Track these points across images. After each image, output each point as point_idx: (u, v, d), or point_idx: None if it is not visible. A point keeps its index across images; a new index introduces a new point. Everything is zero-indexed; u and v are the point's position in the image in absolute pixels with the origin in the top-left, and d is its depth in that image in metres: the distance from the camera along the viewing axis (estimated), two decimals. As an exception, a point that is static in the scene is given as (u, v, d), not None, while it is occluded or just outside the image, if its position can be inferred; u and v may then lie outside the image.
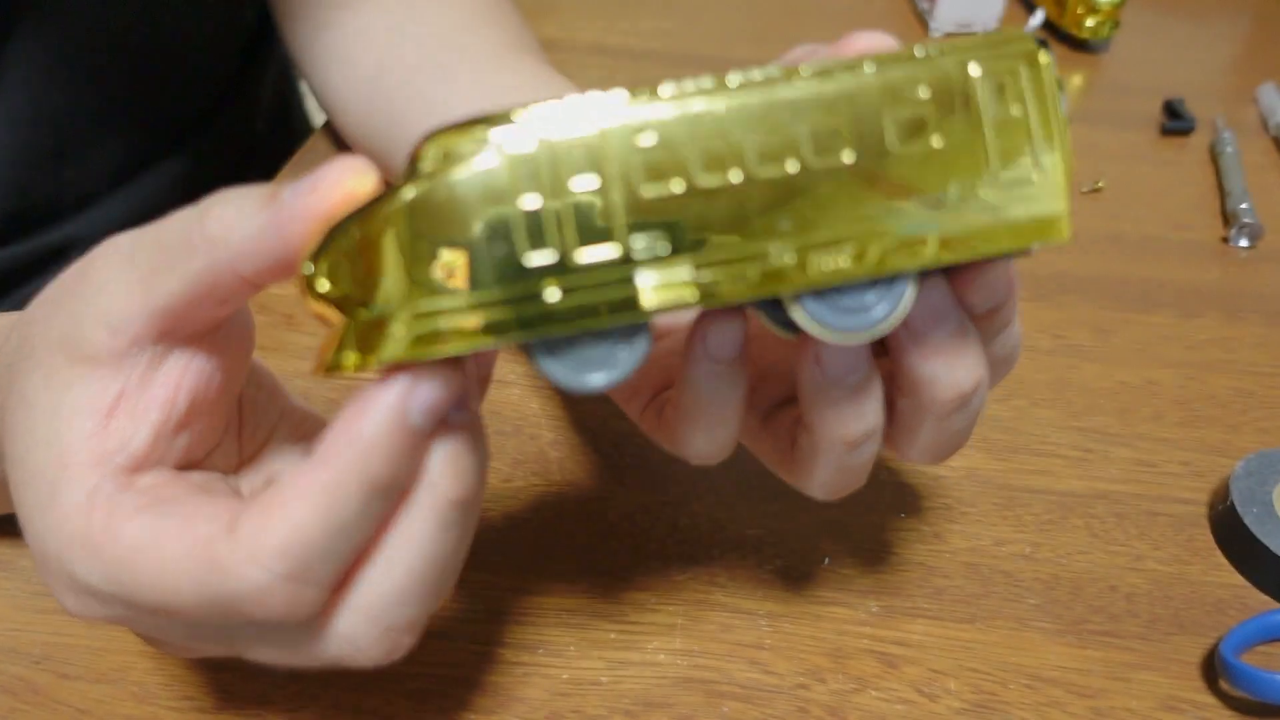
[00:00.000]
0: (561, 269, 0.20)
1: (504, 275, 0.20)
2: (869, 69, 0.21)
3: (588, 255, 0.20)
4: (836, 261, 0.21)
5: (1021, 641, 0.33)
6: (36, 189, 0.48)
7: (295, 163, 0.54)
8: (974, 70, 0.22)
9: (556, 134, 0.20)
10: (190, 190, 0.56)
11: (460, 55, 0.45)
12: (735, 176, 0.20)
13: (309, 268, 0.21)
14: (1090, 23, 0.69)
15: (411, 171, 0.20)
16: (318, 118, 0.63)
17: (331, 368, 0.21)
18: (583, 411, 0.41)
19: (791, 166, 0.21)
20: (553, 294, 0.20)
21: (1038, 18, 0.71)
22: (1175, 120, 0.61)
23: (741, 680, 0.32)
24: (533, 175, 0.20)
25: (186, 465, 0.26)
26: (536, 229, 0.20)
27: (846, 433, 0.26)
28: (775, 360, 0.29)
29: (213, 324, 0.25)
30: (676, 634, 0.33)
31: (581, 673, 0.32)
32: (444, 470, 0.23)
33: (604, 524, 0.37)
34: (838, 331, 0.22)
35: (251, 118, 0.61)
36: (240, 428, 0.28)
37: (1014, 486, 0.39)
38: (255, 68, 0.60)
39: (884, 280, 0.22)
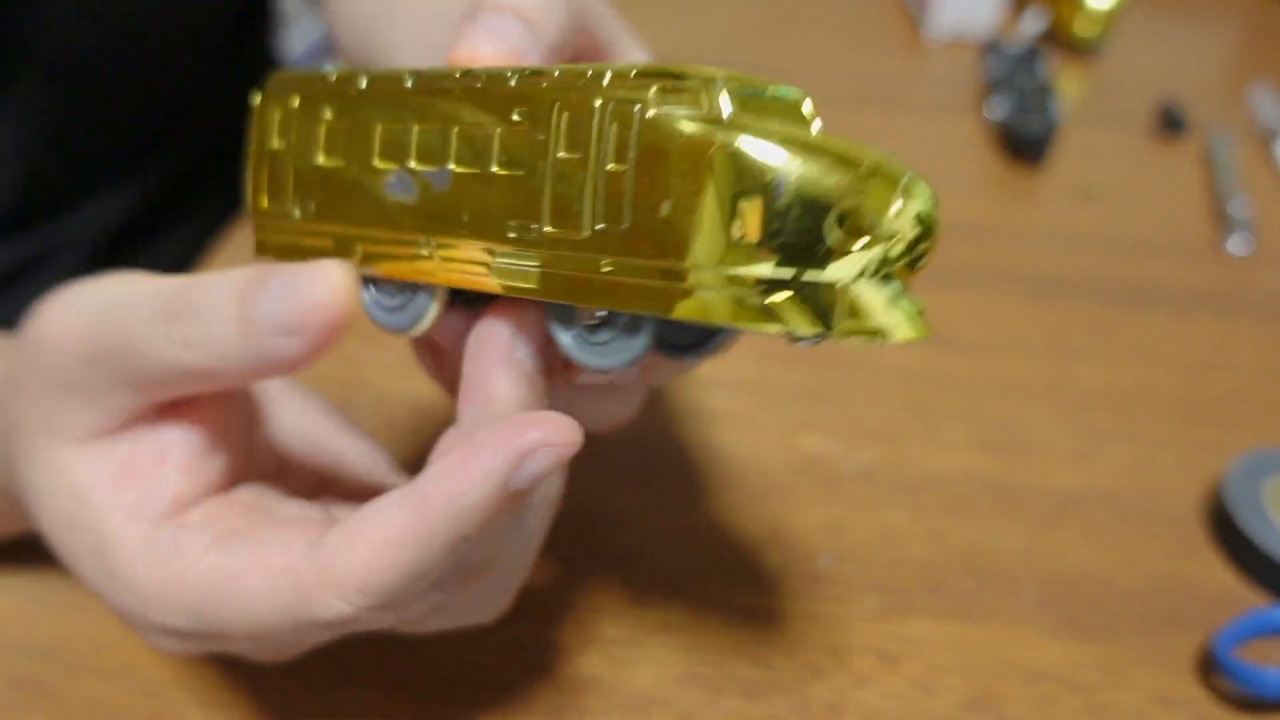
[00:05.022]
0: None
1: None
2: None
3: None
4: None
5: (1019, 637, 0.34)
6: (33, 190, 0.48)
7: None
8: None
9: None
10: (183, 186, 0.56)
11: None
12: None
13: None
14: (1085, 27, 0.69)
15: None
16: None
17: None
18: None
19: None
20: None
21: (1038, 20, 0.71)
22: (1170, 122, 0.61)
23: (741, 676, 0.32)
24: None
25: (232, 481, 0.26)
26: None
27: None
28: None
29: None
30: (676, 630, 0.33)
31: (582, 669, 0.32)
32: (552, 483, 0.25)
33: (604, 521, 0.37)
34: None
35: (239, 111, 0.61)
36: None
37: (1011, 484, 0.39)
38: (239, 62, 0.60)
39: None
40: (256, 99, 0.25)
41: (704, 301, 0.19)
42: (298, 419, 0.29)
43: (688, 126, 0.19)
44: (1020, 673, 0.33)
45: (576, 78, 0.20)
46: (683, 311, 0.19)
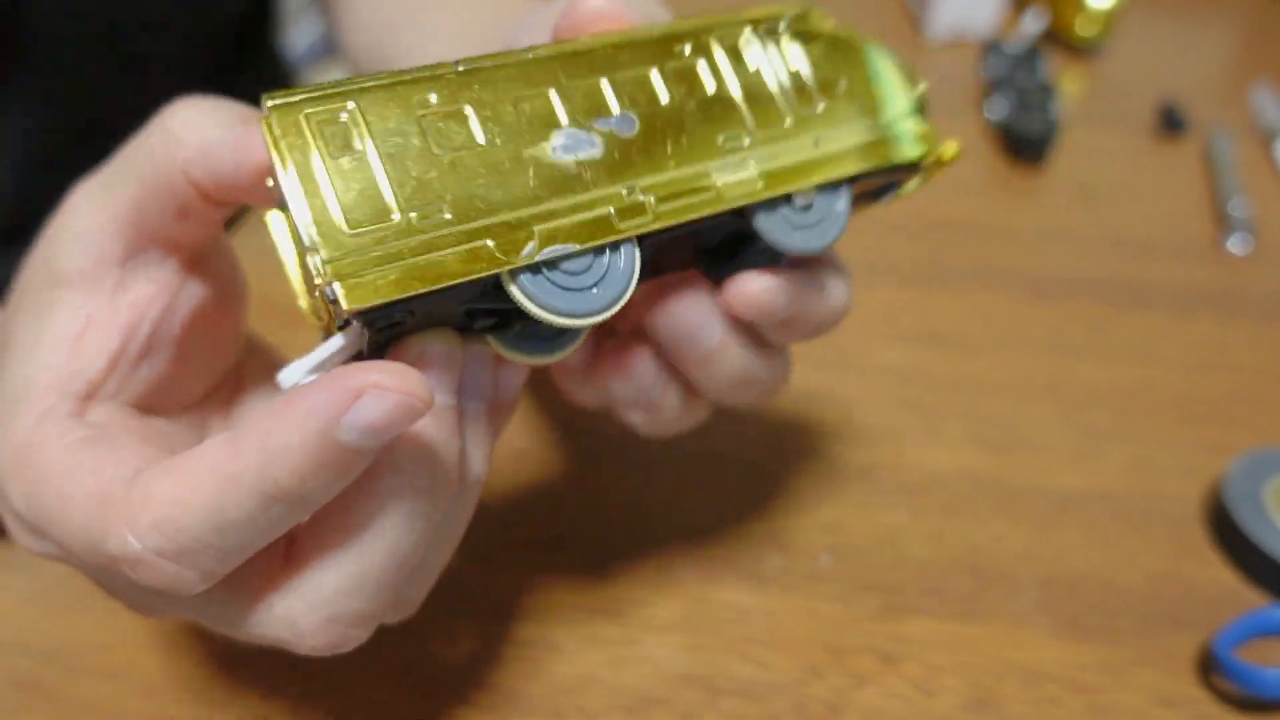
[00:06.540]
0: None
1: None
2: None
3: None
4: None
5: (1019, 638, 0.34)
6: (29, 203, 0.48)
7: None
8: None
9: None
10: None
11: None
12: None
13: None
14: (1085, 27, 0.69)
15: None
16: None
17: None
18: (585, 409, 0.41)
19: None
20: None
21: (1038, 20, 0.71)
22: (1170, 122, 0.61)
23: (741, 676, 0.32)
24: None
25: (155, 408, 0.25)
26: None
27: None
28: None
29: (185, 247, 0.24)
30: (676, 630, 0.33)
31: (582, 669, 0.32)
32: (414, 456, 0.20)
33: (604, 520, 0.37)
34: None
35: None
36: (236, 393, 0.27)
37: (1011, 484, 0.39)
38: (245, 61, 0.60)
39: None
40: (271, 126, 0.20)
41: (896, 147, 0.26)
42: None
43: (828, 31, 0.26)
44: (1020, 673, 0.33)
45: (699, 22, 0.25)
46: (882, 158, 0.25)
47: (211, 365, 0.26)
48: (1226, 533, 0.36)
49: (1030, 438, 0.41)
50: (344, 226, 0.20)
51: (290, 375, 0.21)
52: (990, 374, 0.44)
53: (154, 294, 0.24)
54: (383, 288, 0.19)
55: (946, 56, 0.70)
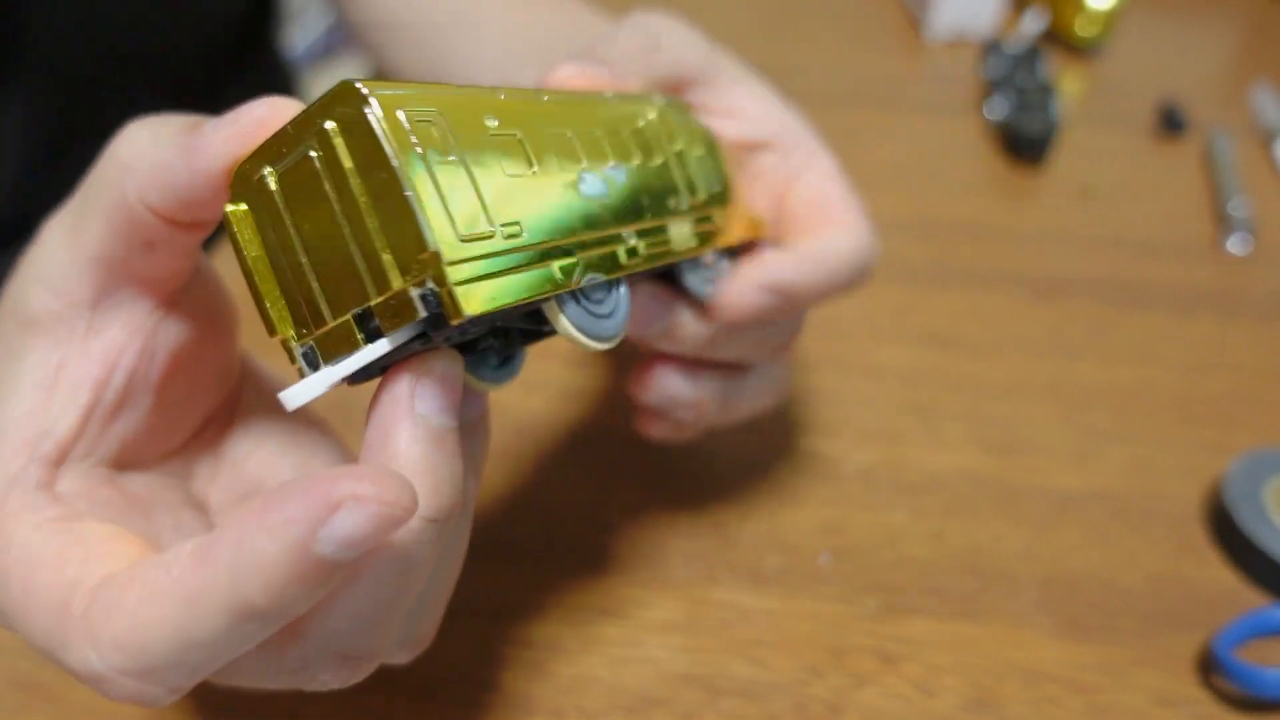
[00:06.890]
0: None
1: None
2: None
3: None
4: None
5: (1019, 638, 0.34)
6: (33, 196, 0.48)
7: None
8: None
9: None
10: None
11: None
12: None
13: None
14: (1085, 27, 0.69)
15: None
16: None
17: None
18: (584, 410, 0.41)
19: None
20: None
21: (1038, 20, 0.71)
22: (1170, 122, 0.61)
23: (741, 677, 0.32)
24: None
25: (133, 462, 0.23)
26: None
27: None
28: None
29: (160, 282, 0.22)
30: (676, 630, 0.33)
31: (582, 669, 0.32)
32: (418, 482, 0.19)
33: (604, 522, 0.37)
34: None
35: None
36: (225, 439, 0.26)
37: (1011, 484, 0.39)
38: (245, 61, 0.60)
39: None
40: (375, 109, 0.18)
41: (755, 222, 0.30)
42: (277, 451, 0.26)
43: (704, 128, 0.30)
44: (1020, 673, 0.33)
45: (641, 98, 0.27)
46: (750, 230, 0.30)
47: (199, 405, 0.25)
48: (1226, 533, 0.36)
49: (1030, 438, 0.41)
50: (458, 231, 0.19)
51: (301, 393, 0.19)
52: (990, 374, 0.44)
53: (127, 339, 0.22)
54: (490, 297, 0.19)
55: (946, 56, 0.70)
